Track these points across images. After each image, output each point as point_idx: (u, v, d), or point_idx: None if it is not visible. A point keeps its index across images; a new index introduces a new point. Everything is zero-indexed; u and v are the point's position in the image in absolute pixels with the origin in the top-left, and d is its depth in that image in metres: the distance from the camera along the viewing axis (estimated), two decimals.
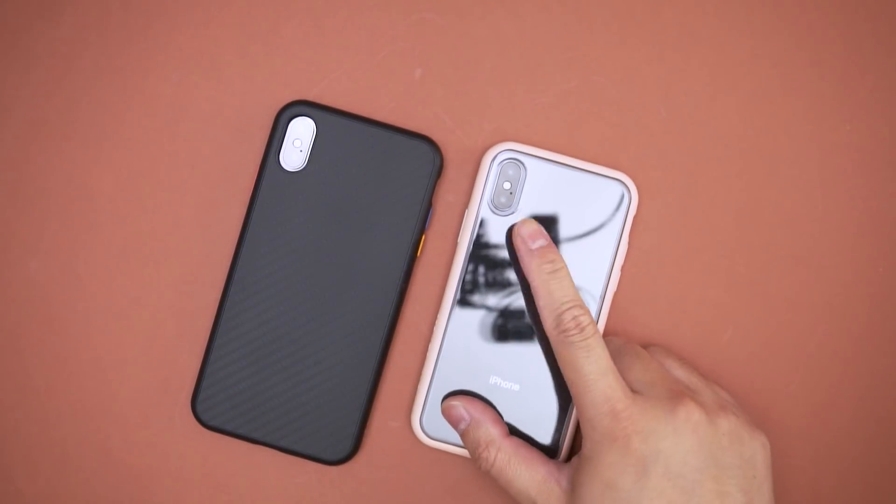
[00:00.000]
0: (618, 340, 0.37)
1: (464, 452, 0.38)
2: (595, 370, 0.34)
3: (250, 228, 0.38)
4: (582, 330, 0.34)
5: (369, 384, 0.38)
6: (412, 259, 0.38)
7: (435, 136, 0.39)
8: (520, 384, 0.38)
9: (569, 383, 0.34)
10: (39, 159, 0.40)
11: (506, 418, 0.38)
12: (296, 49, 0.40)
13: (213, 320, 0.39)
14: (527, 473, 0.35)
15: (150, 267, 0.40)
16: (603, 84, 0.40)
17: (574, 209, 0.38)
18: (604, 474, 0.33)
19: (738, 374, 0.40)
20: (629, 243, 0.39)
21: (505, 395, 0.38)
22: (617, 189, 0.38)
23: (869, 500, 0.40)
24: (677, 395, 0.34)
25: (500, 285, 0.38)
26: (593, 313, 0.38)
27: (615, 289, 0.38)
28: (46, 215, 0.40)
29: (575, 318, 0.35)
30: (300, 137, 0.38)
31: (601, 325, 0.38)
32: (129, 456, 0.40)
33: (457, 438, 0.38)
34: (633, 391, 0.34)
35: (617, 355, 0.36)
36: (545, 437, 0.38)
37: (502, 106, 0.40)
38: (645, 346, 0.39)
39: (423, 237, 0.39)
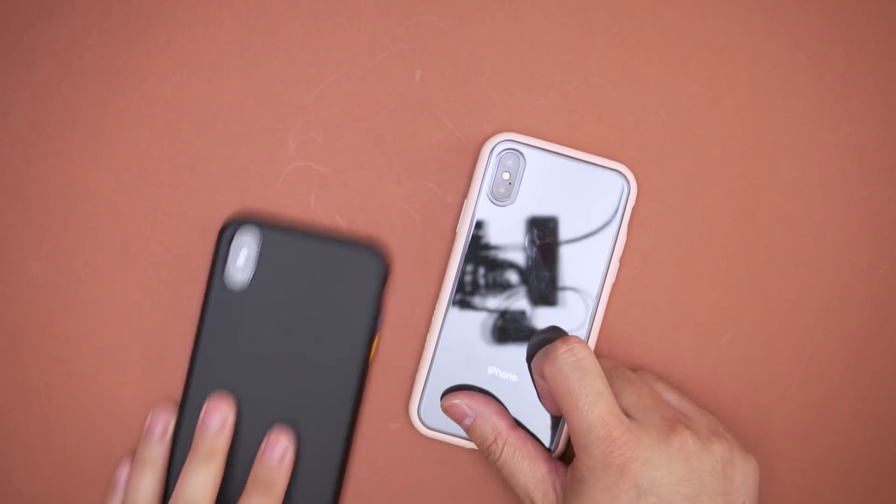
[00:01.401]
0: (608, 363, 0.37)
1: (463, 443, 0.38)
2: (591, 393, 0.33)
3: (201, 348, 0.38)
4: (572, 349, 0.34)
5: (332, 491, 0.38)
6: (365, 363, 0.38)
7: (435, 138, 0.39)
8: (518, 375, 0.38)
9: (562, 407, 0.34)
10: (39, 161, 0.40)
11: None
12: (296, 51, 0.40)
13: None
14: (528, 469, 0.35)
15: (149, 269, 0.40)
16: (603, 86, 0.40)
17: (573, 200, 0.38)
18: (595, 499, 0.32)
19: (738, 375, 0.40)
20: (628, 235, 0.39)
21: (504, 386, 0.38)
22: (616, 179, 0.38)
23: (869, 501, 0.40)
24: (671, 422, 0.33)
25: (499, 277, 0.38)
26: (591, 306, 0.38)
27: (614, 280, 0.38)
28: (46, 217, 0.40)
29: (566, 339, 0.35)
30: (242, 255, 0.38)
31: (599, 319, 0.38)
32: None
33: (456, 429, 0.38)
34: (627, 416, 0.34)
35: (608, 379, 0.35)
36: (543, 427, 0.38)
37: (502, 108, 0.40)
38: (635, 369, 0.39)
39: (376, 340, 0.39)
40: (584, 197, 0.38)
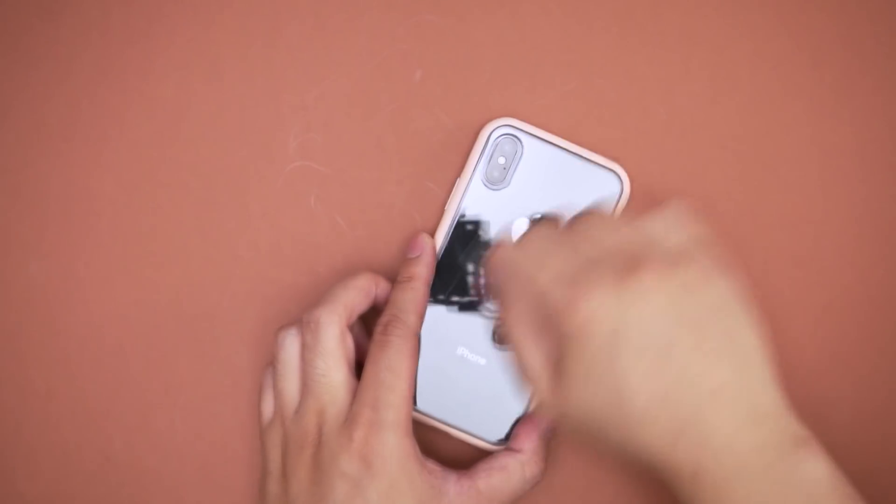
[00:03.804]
0: (548, 222, 0.34)
1: (421, 418, 0.38)
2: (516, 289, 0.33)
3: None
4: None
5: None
6: None
7: (435, 138, 0.39)
8: (486, 359, 0.38)
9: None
10: (39, 161, 0.40)
11: (470, 390, 0.38)
12: (296, 51, 0.40)
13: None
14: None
15: (149, 269, 0.40)
16: (603, 86, 0.40)
17: (565, 194, 0.38)
18: (576, 372, 0.30)
19: None
20: None
21: (471, 368, 0.38)
22: (609, 179, 0.38)
23: (869, 501, 0.40)
24: (624, 265, 0.30)
25: (480, 259, 0.38)
26: None
27: None
28: (47, 217, 0.40)
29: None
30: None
31: None
32: (130, 458, 0.40)
33: (422, 406, 0.38)
34: (576, 281, 0.30)
35: (557, 238, 0.33)
36: (507, 416, 0.38)
37: (502, 107, 0.40)
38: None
39: None
40: (576, 193, 0.38)
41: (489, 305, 0.38)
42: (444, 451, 0.39)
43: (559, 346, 0.31)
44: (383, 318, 0.35)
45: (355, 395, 0.34)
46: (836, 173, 0.40)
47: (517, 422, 0.38)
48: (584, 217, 0.33)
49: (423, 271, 0.37)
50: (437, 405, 0.38)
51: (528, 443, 0.37)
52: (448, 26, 0.40)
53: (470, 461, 0.37)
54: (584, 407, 0.30)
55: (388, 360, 0.34)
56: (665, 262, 0.30)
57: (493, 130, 0.38)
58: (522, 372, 0.33)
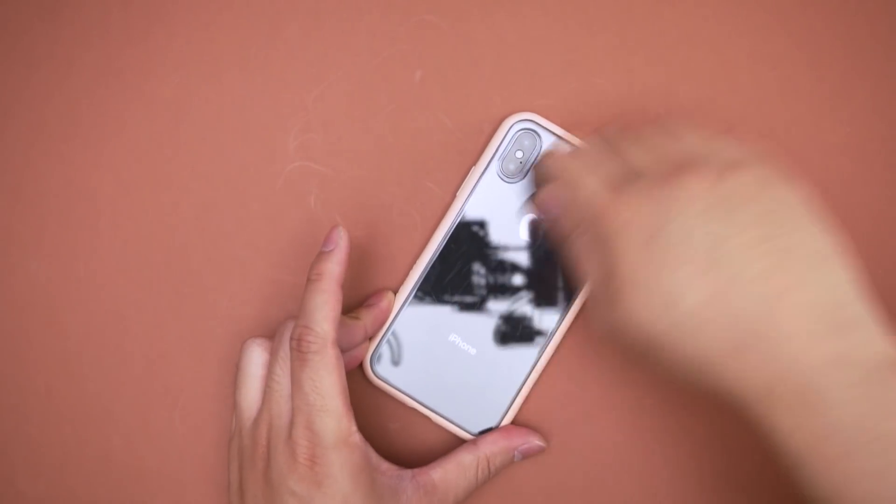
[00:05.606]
0: (610, 129, 0.34)
1: (405, 399, 0.38)
2: (569, 184, 0.33)
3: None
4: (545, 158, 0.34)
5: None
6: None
7: (435, 138, 0.39)
8: (476, 349, 0.38)
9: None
10: (40, 161, 0.40)
11: (456, 379, 0.38)
12: (296, 51, 0.40)
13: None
14: None
15: (149, 269, 0.40)
16: (602, 86, 0.40)
17: None
18: (622, 279, 0.29)
19: None
20: None
21: (460, 356, 0.38)
22: None
23: None
24: (674, 171, 0.29)
25: (486, 250, 0.38)
26: (562, 301, 0.38)
27: None
28: (47, 217, 0.40)
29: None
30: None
31: (569, 318, 0.38)
32: (130, 458, 0.40)
33: (401, 384, 0.38)
34: (626, 183, 0.30)
35: (610, 148, 0.32)
36: (492, 409, 0.38)
37: (502, 108, 0.40)
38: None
39: None
40: None
41: (490, 307, 0.38)
42: (427, 438, 0.39)
43: (606, 257, 0.30)
44: (295, 331, 0.33)
45: (292, 415, 0.33)
46: (835, 174, 0.40)
47: (499, 417, 0.38)
48: (646, 127, 0.33)
49: (334, 268, 0.34)
50: (421, 388, 0.38)
51: (490, 447, 0.37)
52: (448, 26, 0.40)
53: (448, 449, 0.38)
54: (635, 318, 0.29)
55: (313, 382, 0.32)
56: (715, 169, 0.29)
57: (514, 124, 0.38)
58: (583, 282, 0.32)
